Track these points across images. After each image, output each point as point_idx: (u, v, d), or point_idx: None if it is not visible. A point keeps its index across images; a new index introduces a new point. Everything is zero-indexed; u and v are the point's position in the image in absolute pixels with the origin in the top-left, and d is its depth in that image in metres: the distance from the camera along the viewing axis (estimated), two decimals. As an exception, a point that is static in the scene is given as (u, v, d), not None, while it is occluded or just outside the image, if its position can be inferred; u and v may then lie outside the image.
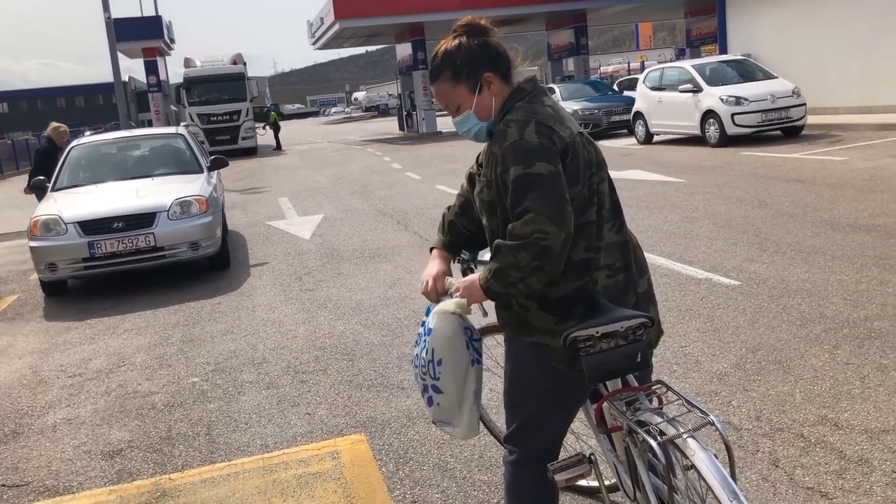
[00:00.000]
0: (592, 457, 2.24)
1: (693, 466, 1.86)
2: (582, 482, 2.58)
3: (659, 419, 1.99)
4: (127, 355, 5.62)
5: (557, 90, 22.74)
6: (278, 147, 32.22)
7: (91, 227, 7.39)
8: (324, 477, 3.45)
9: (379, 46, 45.82)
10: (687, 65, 16.82)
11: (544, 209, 1.99)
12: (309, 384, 4.61)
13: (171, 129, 10.32)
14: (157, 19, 35.19)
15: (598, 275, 2.12)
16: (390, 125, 46.32)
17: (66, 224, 7.38)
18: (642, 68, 64.70)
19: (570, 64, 36.71)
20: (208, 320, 6.35)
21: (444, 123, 36.45)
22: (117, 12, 21.86)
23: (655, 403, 2.13)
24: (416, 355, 2.44)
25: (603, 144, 18.79)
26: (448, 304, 2.32)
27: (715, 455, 1.86)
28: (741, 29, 21.94)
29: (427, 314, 2.40)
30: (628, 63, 75.18)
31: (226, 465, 3.69)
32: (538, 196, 2.00)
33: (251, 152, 30.31)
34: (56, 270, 7.40)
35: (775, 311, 4.94)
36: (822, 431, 3.34)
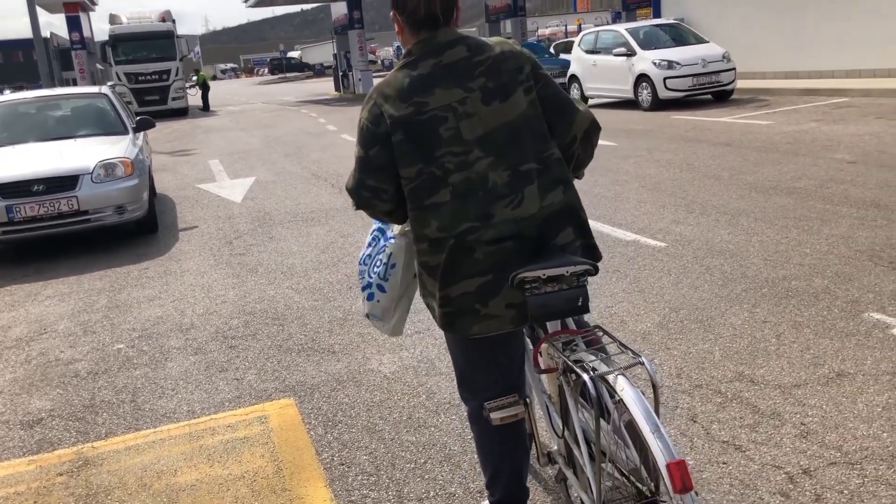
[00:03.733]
0: (527, 399, 2.35)
1: (621, 401, 1.92)
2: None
3: (593, 358, 2.04)
4: (49, 322, 5.46)
5: (494, 52, 22.64)
6: (206, 108, 31.41)
7: (9, 190, 7.09)
8: (251, 442, 3.43)
9: (314, 5, 44.79)
10: (621, 28, 16.94)
11: (348, 184, 2.32)
12: (238, 349, 4.56)
13: (95, 89, 9.93)
14: (78, -28, 33.59)
15: (482, 247, 2.12)
16: (326, 86, 45.60)
17: (-20, 187, 7.07)
18: (579, 31, 64.94)
19: (507, 26, 36.57)
20: (135, 286, 6.21)
21: (381, 85, 36.06)
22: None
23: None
24: (369, 255, 2.61)
25: (539, 107, 18.89)
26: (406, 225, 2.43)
27: (642, 392, 1.93)
28: (674, -7, 22.17)
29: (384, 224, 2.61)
30: (566, 26, 75.33)
31: (151, 431, 3.63)
32: (351, 172, 2.31)
33: (182, 113, 29.46)
34: (-28, 235, 7.11)
35: (699, 272, 5.07)
36: (738, 387, 3.47)
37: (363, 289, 2.61)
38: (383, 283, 2.52)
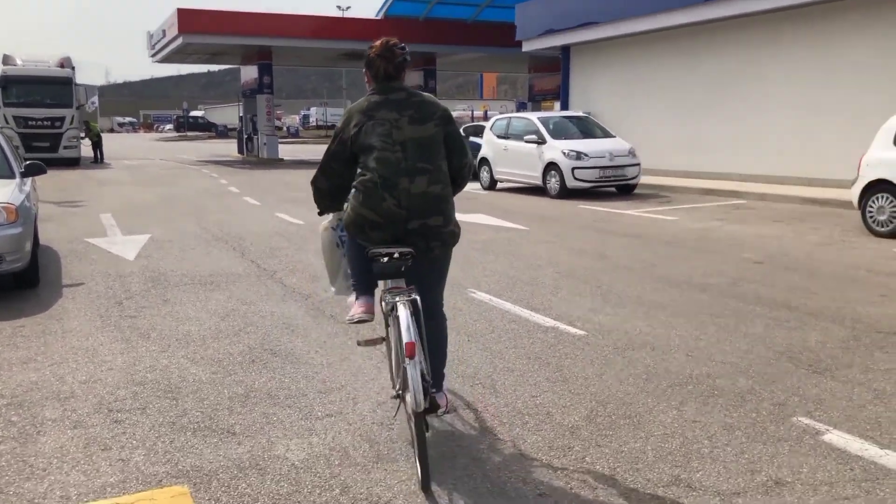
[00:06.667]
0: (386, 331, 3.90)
1: (397, 315, 3.42)
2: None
3: (397, 297, 3.46)
4: None
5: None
6: (98, 160, 30.16)
7: None
8: (135, 539, 2.95)
9: (222, 67, 44.22)
10: (533, 116, 17.36)
11: (317, 171, 3.81)
12: (124, 425, 4.05)
13: (-19, 127, 9.22)
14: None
15: (385, 201, 3.49)
16: (229, 147, 44.84)
17: None
18: (485, 116, 66.91)
19: (416, 106, 37.15)
20: (7, 345, 5.55)
21: (287, 151, 35.70)
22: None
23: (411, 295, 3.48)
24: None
25: (447, 186, 18.97)
26: (325, 221, 4.09)
27: (410, 314, 3.38)
28: (582, 87, 23.08)
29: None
30: (472, 110, 77.59)
31: (13, 522, 3.09)
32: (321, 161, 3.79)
33: (73, 163, 28.14)
34: None
35: (622, 364, 4.93)
36: (676, 493, 3.26)
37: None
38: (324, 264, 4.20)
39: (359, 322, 3.72)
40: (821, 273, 7.74)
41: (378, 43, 3.64)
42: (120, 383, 4.70)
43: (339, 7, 59.30)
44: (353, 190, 3.55)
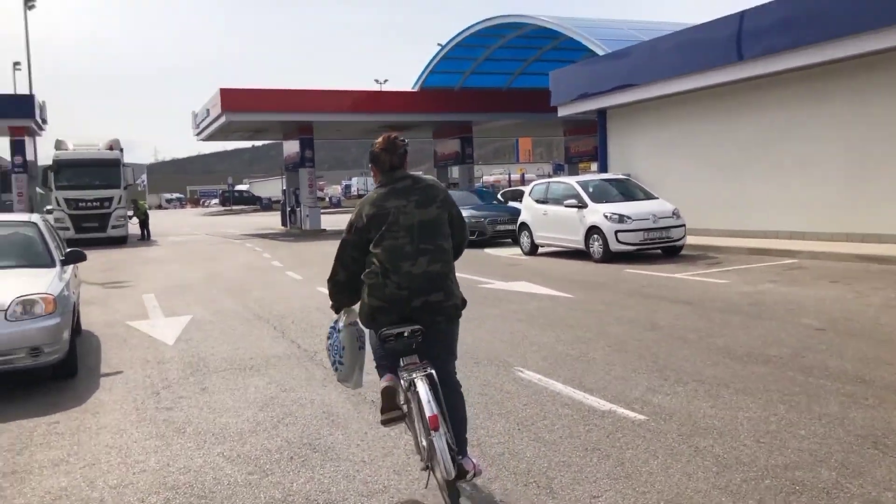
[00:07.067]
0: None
1: (416, 390, 3.70)
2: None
3: (414, 373, 3.75)
4: (-74, 491, 4.56)
5: (444, 197, 22.72)
6: (145, 237, 30.69)
7: None
8: None
9: (266, 142, 45.22)
10: (572, 181, 17.15)
11: (336, 256, 4.12)
12: (153, 538, 3.78)
13: (24, 217, 9.25)
14: (29, 98, 33.29)
15: (388, 285, 3.84)
16: (272, 220, 45.43)
17: None
18: (522, 179, 67.10)
19: (454, 172, 37.37)
20: (40, 444, 5.36)
21: (329, 221, 35.97)
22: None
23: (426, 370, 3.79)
24: (332, 344, 4.23)
25: (488, 253, 18.75)
26: (348, 317, 4.22)
27: (429, 388, 3.66)
28: (620, 149, 22.89)
29: (336, 322, 4.25)
30: (509, 174, 77.96)
31: None
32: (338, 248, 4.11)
33: (121, 241, 28.64)
34: None
35: (688, 455, 4.53)
36: None
37: (332, 364, 4.27)
38: (341, 359, 4.18)
39: (389, 416, 3.92)
40: (892, 340, 7.24)
41: (381, 139, 3.99)
42: (152, 488, 4.45)
43: (376, 80, 60.62)
44: (362, 283, 3.92)
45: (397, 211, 3.83)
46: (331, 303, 4.25)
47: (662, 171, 20.58)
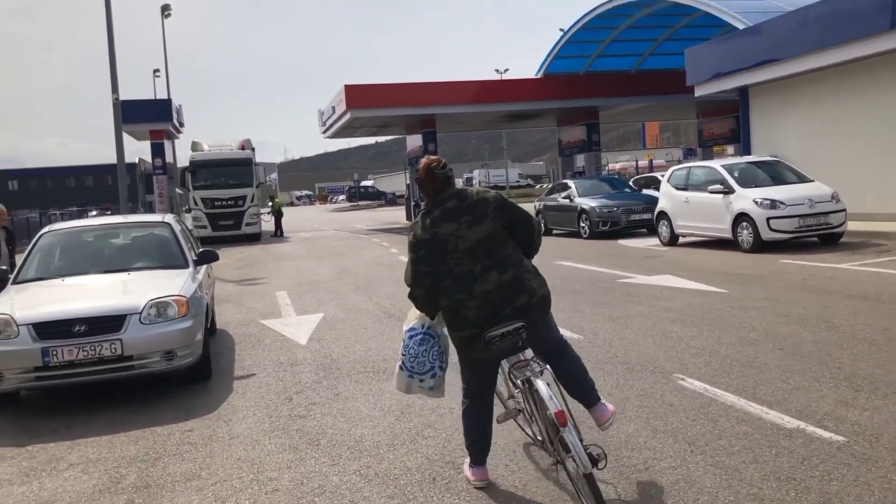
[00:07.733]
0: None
1: (536, 389, 3.74)
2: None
3: (527, 373, 3.81)
4: (60, 506, 4.38)
5: (573, 186, 21.91)
6: (278, 234, 31.43)
7: (47, 330, 6.22)
8: None
9: (390, 137, 45.65)
10: (716, 165, 15.95)
11: (406, 274, 4.11)
12: (288, 575, 3.37)
13: (158, 217, 9.29)
14: (166, 103, 34.93)
15: (468, 311, 3.86)
16: (397, 215, 45.76)
17: (17, 326, 6.22)
18: (650, 166, 64.82)
19: (579, 160, 36.30)
20: (173, 455, 5.13)
21: (453, 215, 35.72)
22: (133, 94, 21.35)
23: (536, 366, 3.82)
24: (425, 351, 4.17)
25: (623, 245, 17.80)
26: (441, 323, 4.21)
27: (548, 385, 3.71)
28: (765, 129, 21.29)
29: (422, 327, 4.22)
30: (636, 161, 75.56)
31: None
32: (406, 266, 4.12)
33: (254, 238, 29.45)
34: (2, 381, 6.22)
35: (912, 490, 3.72)
36: None
37: (424, 372, 4.17)
38: (442, 364, 4.24)
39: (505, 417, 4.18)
40: None
41: (421, 166, 4.03)
42: (285, 512, 4.07)
43: (497, 70, 59.93)
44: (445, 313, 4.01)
45: (453, 237, 3.87)
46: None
47: (815, 152, 18.88)
